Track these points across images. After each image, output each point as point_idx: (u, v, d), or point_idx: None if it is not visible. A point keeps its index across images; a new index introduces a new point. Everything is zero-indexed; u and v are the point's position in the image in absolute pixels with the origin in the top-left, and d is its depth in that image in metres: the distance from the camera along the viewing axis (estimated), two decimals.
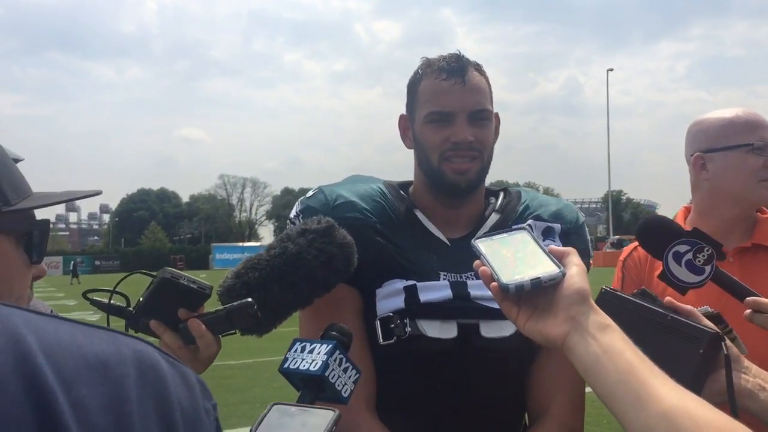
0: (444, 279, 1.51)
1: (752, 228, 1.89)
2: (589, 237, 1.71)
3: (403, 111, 1.65)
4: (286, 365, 1.09)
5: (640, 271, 1.96)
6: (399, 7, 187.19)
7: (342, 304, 1.49)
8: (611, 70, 49.61)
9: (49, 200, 1.01)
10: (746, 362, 1.21)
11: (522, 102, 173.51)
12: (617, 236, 55.21)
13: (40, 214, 1.04)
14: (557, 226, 1.62)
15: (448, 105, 1.51)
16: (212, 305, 1.31)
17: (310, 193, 1.62)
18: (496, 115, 1.61)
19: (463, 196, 1.58)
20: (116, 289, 1.31)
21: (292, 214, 1.59)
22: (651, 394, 0.84)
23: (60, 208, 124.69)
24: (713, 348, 1.18)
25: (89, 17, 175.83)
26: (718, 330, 1.22)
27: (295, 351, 1.10)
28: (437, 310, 1.48)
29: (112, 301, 1.30)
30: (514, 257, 1.04)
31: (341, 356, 1.08)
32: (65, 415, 0.49)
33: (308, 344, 1.10)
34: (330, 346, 1.08)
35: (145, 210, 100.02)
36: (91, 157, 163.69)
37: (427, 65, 1.58)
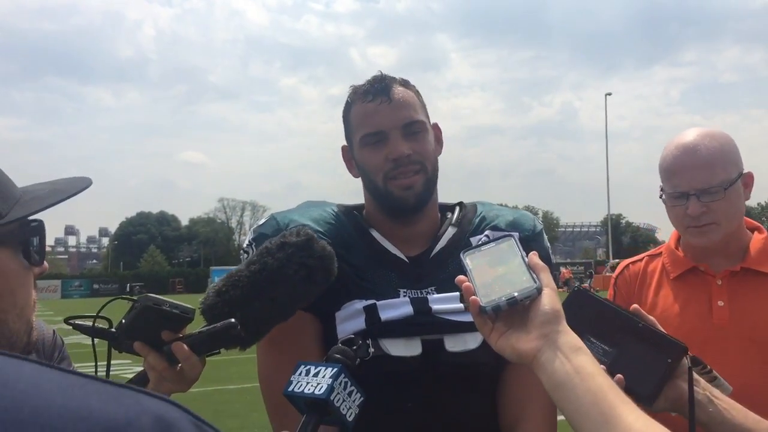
0: (404, 296, 1.50)
1: (745, 250, 1.84)
2: (548, 245, 1.69)
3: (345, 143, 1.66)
4: (290, 388, 1.08)
5: (630, 288, 1.97)
6: (394, 32, 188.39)
7: (301, 333, 1.48)
8: (609, 94, 49.81)
9: (41, 204, 0.97)
10: (695, 375, 1.28)
11: (519, 126, 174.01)
12: (617, 260, 54.99)
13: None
14: (515, 235, 1.58)
15: (379, 124, 1.52)
16: (196, 321, 1.32)
17: (262, 220, 1.60)
18: (436, 125, 1.62)
19: (413, 212, 1.57)
20: (99, 314, 1.31)
21: (245, 243, 1.57)
22: (619, 419, 0.87)
23: (59, 232, 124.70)
24: (678, 359, 1.28)
25: (87, 42, 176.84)
26: (685, 344, 1.31)
27: (300, 374, 1.09)
28: (400, 328, 1.46)
29: (95, 324, 1.30)
30: (497, 272, 1.07)
31: (346, 380, 1.07)
32: None
33: (313, 367, 1.09)
34: (335, 369, 1.07)
35: (144, 233, 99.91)
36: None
37: (354, 92, 1.59)
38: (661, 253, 1.99)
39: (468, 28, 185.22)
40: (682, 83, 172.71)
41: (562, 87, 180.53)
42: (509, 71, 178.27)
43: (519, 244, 1.10)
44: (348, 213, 1.63)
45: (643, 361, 1.26)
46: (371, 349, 1.44)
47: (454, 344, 1.47)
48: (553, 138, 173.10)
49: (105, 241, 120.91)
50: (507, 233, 1.15)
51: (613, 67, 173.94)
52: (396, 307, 1.48)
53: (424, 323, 1.47)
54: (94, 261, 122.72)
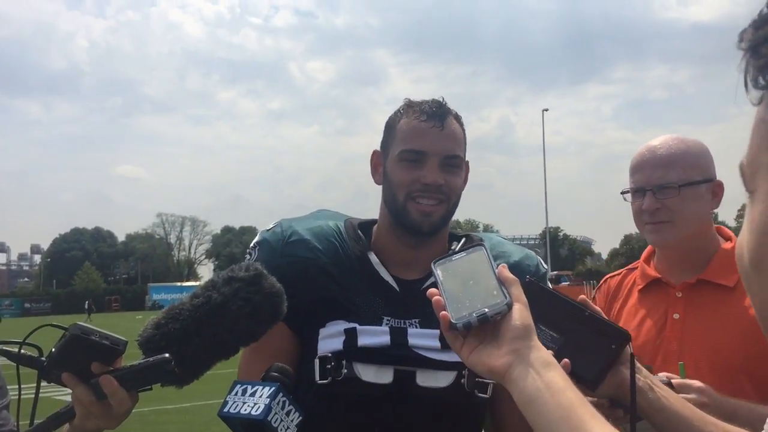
0: (386, 324, 1.53)
1: (707, 261, 1.82)
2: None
3: (376, 147, 1.67)
4: (226, 409, 1.06)
5: (603, 302, 2.00)
6: (333, 47, 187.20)
7: (279, 346, 1.51)
8: (547, 110, 51.00)
9: None
10: (638, 364, 1.31)
11: None
12: (555, 272, 56.20)
13: None
14: (486, 245, 1.59)
15: (423, 145, 1.55)
16: (136, 353, 1.25)
17: (271, 225, 1.64)
18: (467, 163, 1.64)
19: (424, 238, 1.59)
20: (27, 340, 1.23)
21: (251, 244, 1.62)
22: None
23: None
24: (622, 346, 1.32)
25: (16, 54, 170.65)
26: (629, 332, 1.36)
27: (236, 394, 1.07)
28: (374, 355, 1.50)
29: (23, 351, 1.22)
30: (467, 284, 1.06)
31: (284, 399, 1.05)
32: None
33: (249, 387, 1.07)
34: (273, 388, 1.05)
35: (78, 250, 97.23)
36: (21, 195, 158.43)
37: (409, 105, 1.62)
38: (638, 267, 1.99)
39: (406, 44, 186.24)
40: (613, 99, 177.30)
41: (499, 102, 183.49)
42: (447, 86, 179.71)
43: (490, 255, 1.10)
44: (352, 231, 1.64)
45: (589, 347, 1.31)
46: (344, 370, 1.49)
47: (425, 379, 1.51)
48: (492, 152, 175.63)
49: (37, 258, 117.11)
50: (478, 244, 1.15)
51: (547, 83, 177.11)
52: (374, 335, 1.52)
53: (399, 355, 1.51)
54: (26, 279, 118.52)
